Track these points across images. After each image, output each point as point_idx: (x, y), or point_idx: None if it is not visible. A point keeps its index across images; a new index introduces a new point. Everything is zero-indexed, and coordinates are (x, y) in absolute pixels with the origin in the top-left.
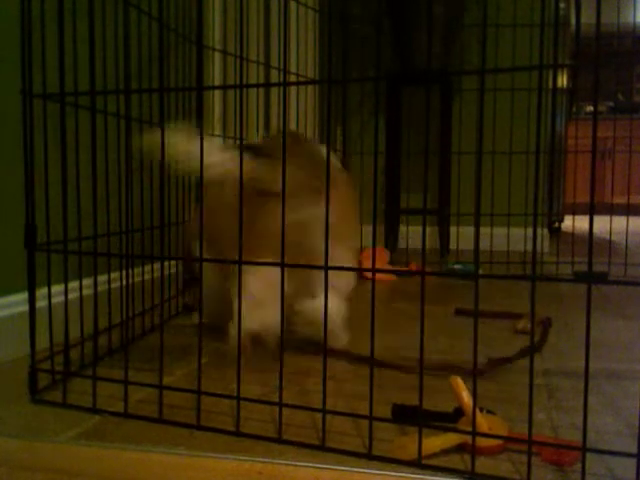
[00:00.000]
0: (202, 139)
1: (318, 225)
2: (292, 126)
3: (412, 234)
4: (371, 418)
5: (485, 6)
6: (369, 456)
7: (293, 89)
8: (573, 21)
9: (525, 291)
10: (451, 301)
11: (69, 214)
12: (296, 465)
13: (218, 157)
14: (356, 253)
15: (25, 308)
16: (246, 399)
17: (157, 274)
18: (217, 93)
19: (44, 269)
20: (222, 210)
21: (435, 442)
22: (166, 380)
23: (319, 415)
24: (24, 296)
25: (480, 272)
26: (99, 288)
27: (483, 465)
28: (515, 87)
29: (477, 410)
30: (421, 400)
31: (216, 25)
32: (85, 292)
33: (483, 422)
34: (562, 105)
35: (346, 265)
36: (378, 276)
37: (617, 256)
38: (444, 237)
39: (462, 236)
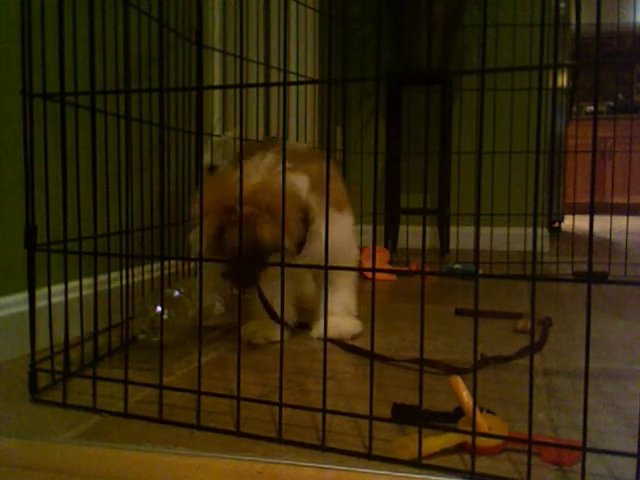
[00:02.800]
0: (201, 138)
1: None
2: (292, 126)
3: (412, 234)
4: (371, 418)
5: (485, 6)
6: (369, 456)
7: (293, 89)
8: (573, 21)
9: (525, 291)
10: (451, 301)
11: (69, 214)
12: (296, 465)
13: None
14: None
15: (25, 308)
16: (246, 399)
17: (157, 274)
18: (217, 93)
19: (44, 269)
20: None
21: (435, 442)
22: (166, 380)
23: (319, 415)
24: (24, 296)
25: (480, 272)
26: (99, 288)
27: (483, 465)
28: (515, 87)
29: (477, 410)
30: (421, 400)
31: (216, 25)
32: (85, 292)
33: (483, 422)
34: (562, 105)
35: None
36: (378, 276)
37: (617, 256)
38: (444, 237)
39: (462, 236)
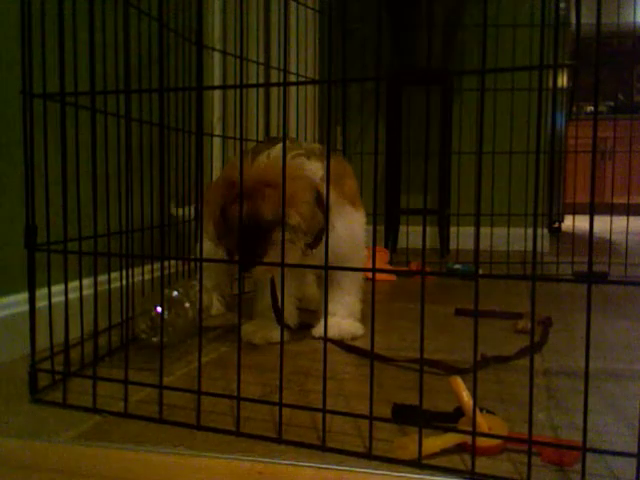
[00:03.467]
0: (202, 138)
1: None
2: (292, 126)
3: (412, 234)
4: (371, 418)
5: (485, 6)
6: (369, 456)
7: (293, 89)
8: (573, 21)
9: (525, 291)
10: (451, 301)
11: (69, 214)
12: (296, 465)
13: None
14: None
15: (25, 308)
16: (246, 399)
17: (157, 274)
18: (217, 93)
19: (44, 269)
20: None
21: (435, 442)
22: (166, 380)
23: (319, 415)
24: (24, 296)
25: (480, 272)
26: (99, 288)
27: (483, 465)
28: (515, 87)
29: (477, 410)
30: (421, 400)
31: (216, 25)
32: (85, 292)
33: (483, 422)
34: (562, 105)
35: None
36: (378, 276)
37: (617, 256)
38: (444, 237)
39: (462, 236)
